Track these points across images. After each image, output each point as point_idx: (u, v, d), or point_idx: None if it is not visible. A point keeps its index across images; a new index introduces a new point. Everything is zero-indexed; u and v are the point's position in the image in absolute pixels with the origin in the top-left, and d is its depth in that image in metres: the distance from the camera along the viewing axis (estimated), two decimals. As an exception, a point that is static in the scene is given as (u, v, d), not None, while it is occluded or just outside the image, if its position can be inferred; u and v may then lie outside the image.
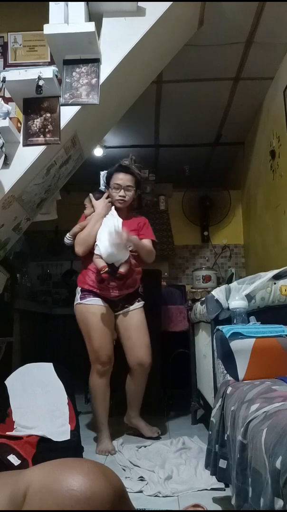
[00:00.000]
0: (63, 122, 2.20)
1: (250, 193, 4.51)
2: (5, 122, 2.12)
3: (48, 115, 2.14)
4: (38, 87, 2.05)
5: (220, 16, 2.79)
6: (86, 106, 2.17)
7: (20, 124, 2.27)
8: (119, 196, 2.49)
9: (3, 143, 2.14)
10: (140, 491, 1.75)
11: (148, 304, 2.62)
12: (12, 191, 2.27)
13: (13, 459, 1.73)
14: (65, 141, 2.41)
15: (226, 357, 1.62)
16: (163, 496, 1.70)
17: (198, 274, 4.48)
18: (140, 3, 2.29)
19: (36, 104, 2.15)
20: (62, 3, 2.08)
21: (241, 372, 1.59)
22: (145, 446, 2.33)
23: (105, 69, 2.22)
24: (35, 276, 5.39)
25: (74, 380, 2.38)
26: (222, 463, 1.43)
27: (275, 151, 3.54)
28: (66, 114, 2.21)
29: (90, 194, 2.59)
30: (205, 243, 5.06)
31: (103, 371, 2.40)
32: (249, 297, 2.00)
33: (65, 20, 2.05)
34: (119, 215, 2.48)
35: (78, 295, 2.48)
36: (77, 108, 2.23)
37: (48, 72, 2.06)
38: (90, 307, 2.42)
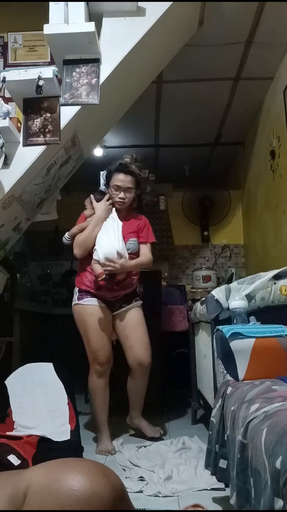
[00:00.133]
0: (63, 122, 2.20)
1: (250, 193, 4.51)
2: (5, 122, 2.12)
3: (48, 115, 2.14)
4: (38, 87, 2.05)
5: (220, 16, 2.79)
6: (86, 106, 2.17)
7: (20, 124, 2.27)
8: (119, 198, 2.47)
9: (3, 143, 2.14)
10: (141, 491, 1.75)
11: (148, 304, 2.62)
12: (12, 191, 2.27)
13: (13, 459, 1.73)
14: (65, 141, 2.41)
15: (226, 357, 1.62)
16: (163, 496, 1.70)
17: (198, 274, 4.48)
18: (140, 3, 2.29)
19: (36, 104, 2.15)
20: (62, 3, 2.08)
21: (241, 372, 1.59)
22: (145, 446, 2.33)
23: (105, 69, 2.22)
24: (35, 276, 5.39)
25: (74, 380, 2.38)
26: (222, 463, 1.43)
27: (275, 151, 3.54)
28: (66, 114, 2.21)
29: (91, 196, 2.56)
30: (205, 243, 5.06)
31: (102, 371, 2.40)
32: (249, 297, 2.00)
33: (65, 20, 2.05)
34: (119, 215, 2.48)
35: (76, 296, 2.48)
36: (77, 108, 2.23)
37: (48, 72, 2.06)
38: (87, 308, 2.42)
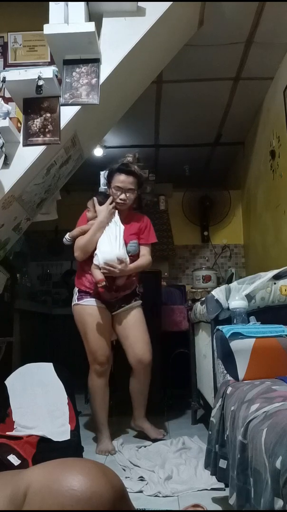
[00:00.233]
0: (63, 122, 2.20)
1: (250, 193, 4.51)
2: (5, 122, 2.12)
3: (48, 115, 2.14)
4: (38, 87, 2.05)
5: (220, 16, 2.79)
6: (86, 106, 2.17)
7: (20, 124, 2.27)
8: (120, 199, 2.45)
9: (3, 143, 2.14)
10: (141, 491, 1.75)
11: (148, 304, 2.62)
12: (12, 191, 2.27)
13: (13, 459, 1.73)
14: (65, 141, 2.41)
15: (226, 357, 1.62)
16: (163, 496, 1.70)
17: (198, 274, 4.48)
18: (140, 3, 2.29)
19: (36, 104, 2.15)
20: (62, 3, 2.08)
21: (241, 372, 1.59)
22: (145, 446, 2.33)
23: (105, 69, 2.22)
24: (35, 276, 5.39)
25: (74, 380, 2.38)
26: (222, 463, 1.43)
27: (275, 151, 3.54)
28: (66, 114, 2.21)
29: (94, 198, 2.51)
30: (205, 243, 5.06)
31: (101, 371, 2.40)
32: (249, 297, 2.00)
33: (65, 20, 2.05)
34: (120, 215, 2.48)
35: (75, 296, 2.49)
36: (77, 108, 2.23)
37: (48, 72, 2.06)
38: (87, 308, 2.42)
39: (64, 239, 2.54)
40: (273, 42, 3.09)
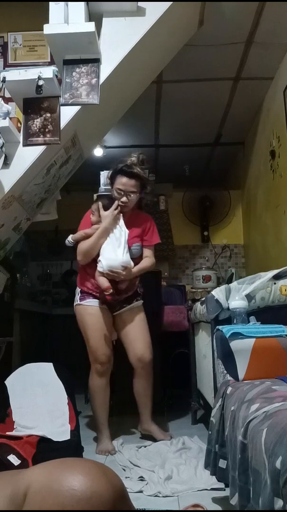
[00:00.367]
0: (63, 122, 2.20)
1: (250, 193, 4.51)
2: (5, 122, 2.12)
3: (48, 115, 2.14)
4: (38, 87, 2.05)
5: (220, 16, 2.79)
6: (86, 106, 2.17)
7: (20, 124, 2.27)
8: (121, 201, 2.42)
9: (3, 143, 2.14)
10: (141, 491, 1.75)
11: (148, 304, 2.62)
12: (12, 191, 2.27)
13: (13, 459, 1.73)
14: (65, 141, 2.41)
15: (226, 357, 1.62)
16: (163, 496, 1.70)
17: (198, 274, 4.48)
18: (140, 3, 2.29)
19: (36, 104, 2.15)
20: (62, 3, 2.08)
21: (241, 372, 1.59)
22: (145, 446, 2.33)
23: (105, 69, 2.22)
24: (35, 276, 5.39)
25: (74, 380, 2.38)
26: (222, 463, 1.43)
27: (275, 151, 3.54)
28: (66, 114, 2.21)
29: (99, 203, 2.46)
30: (205, 243, 5.06)
31: (102, 371, 2.40)
32: (249, 297, 2.00)
33: (65, 20, 2.05)
34: (123, 216, 2.45)
35: (77, 296, 2.49)
36: (77, 108, 2.23)
37: (48, 72, 2.06)
38: (88, 308, 2.43)
39: (66, 241, 2.49)
40: (273, 42, 3.09)
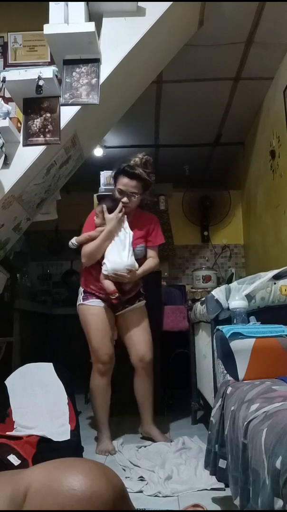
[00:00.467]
0: (63, 122, 2.20)
1: (250, 193, 4.51)
2: (5, 122, 2.12)
3: (48, 115, 2.14)
4: (38, 87, 2.05)
5: (220, 16, 2.79)
6: (86, 106, 2.17)
7: (20, 124, 2.27)
8: (123, 202, 2.42)
9: (3, 143, 2.14)
10: (140, 491, 1.75)
11: (148, 304, 2.62)
12: (12, 191, 2.27)
13: (13, 459, 1.73)
14: (65, 141, 2.41)
15: (226, 357, 1.62)
16: (163, 496, 1.70)
17: (198, 274, 4.48)
18: (140, 3, 2.29)
19: (36, 104, 2.15)
20: (62, 3, 2.08)
21: (241, 372, 1.59)
22: (145, 446, 2.33)
23: (105, 69, 2.22)
24: (35, 276, 5.39)
25: (74, 380, 2.38)
26: (222, 463, 1.43)
27: (275, 151, 3.54)
28: (66, 114, 2.21)
29: (104, 206, 2.42)
30: (205, 243, 5.06)
31: (104, 370, 2.41)
32: (249, 297, 2.00)
33: (65, 20, 2.05)
34: (127, 217, 2.45)
35: (80, 296, 2.50)
36: (77, 108, 2.23)
37: (48, 72, 2.06)
38: (91, 308, 2.44)
39: (70, 243, 2.48)
40: (273, 42, 3.09)
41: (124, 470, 2.02)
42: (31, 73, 2.06)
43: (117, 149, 4.53)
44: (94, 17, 2.23)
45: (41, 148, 2.23)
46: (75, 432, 2.04)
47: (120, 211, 2.39)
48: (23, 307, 3.68)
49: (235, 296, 1.97)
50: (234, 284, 2.06)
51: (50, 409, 2.14)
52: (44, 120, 2.14)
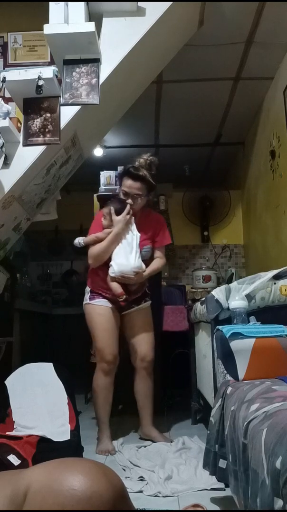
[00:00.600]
0: (63, 122, 2.20)
1: (250, 193, 4.51)
2: (5, 122, 2.12)
3: (48, 115, 2.14)
4: (38, 87, 2.05)
5: (220, 16, 2.79)
6: (86, 106, 2.17)
7: (20, 124, 2.27)
8: (127, 203, 2.42)
9: (3, 143, 2.14)
10: (141, 491, 1.75)
11: (149, 304, 2.63)
12: (12, 191, 2.27)
13: (13, 459, 1.73)
14: (65, 141, 2.41)
15: (226, 357, 1.62)
16: (163, 496, 1.70)
17: (198, 274, 4.48)
18: (140, 3, 2.29)
19: (36, 104, 2.15)
20: (62, 3, 2.08)
21: (241, 372, 1.59)
22: (145, 446, 2.33)
23: (105, 69, 2.22)
24: (35, 276, 5.39)
25: (74, 380, 2.38)
26: (222, 463, 1.43)
27: (275, 151, 3.54)
28: (66, 114, 2.21)
29: (111, 207, 2.42)
30: (205, 243, 5.06)
31: (108, 370, 2.42)
32: (249, 297, 2.00)
33: (65, 20, 2.05)
34: (134, 217, 2.45)
35: (87, 295, 2.51)
36: (77, 108, 2.23)
37: (48, 72, 2.06)
38: (96, 308, 2.45)
39: (77, 242, 2.48)
40: (273, 42, 3.09)
41: (124, 470, 2.02)
42: (31, 73, 2.06)
43: (117, 149, 4.53)
44: (94, 17, 2.23)
45: (41, 148, 2.23)
46: (75, 432, 2.04)
47: (127, 213, 2.39)
48: (23, 307, 3.68)
49: (235, 296, 1.97)
50: (234, 284, 2.06)
51: (50, 409, 2.14)
52: (44, 120, 2.14)
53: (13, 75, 2.07)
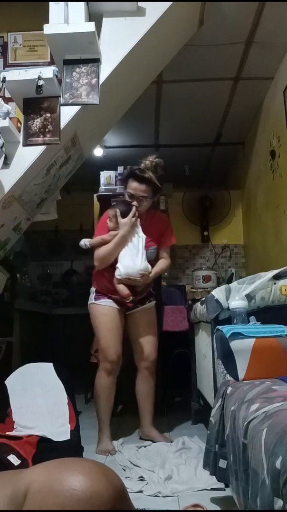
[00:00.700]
0: (63, 122, 2.20)
1: (250, 193, 4.51)
2: (5, 122, 2.12)
3: (48, 115, 2.14)
4: (38, 87, 2.05)
5: (220, 16, 2.79)
6: (86, 106, 2.17)
7: (20, 124, 2.27)
8: (132, 205, 2.42)
9: (3, 143, 2.14)
10: (141, 491, 1.75)
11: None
12: (12, 191, 2.27)
13: (13, 459, 1.73)
14: (65, 141, 2.41)
15: (226, 357, 1.62)
16: (163, 496, 1.70)
17: (198, 274, 4.48)
18: (140, 3, 2.29)
19: (36, 104, 2.14)
20: (62, 3, 2.07)
21: (241, 372, 1.59)
22: (145, 446, 2.33)
23: (105, 69, 2.22)
24: (35, 276, 5.39)
25: (74, 380, 2.39)
26: (222, 463, 1.43)
27: (275, 151, 3.53)
28: (66, 114, 2.21)
29: (117, 210, 2.41)
30: (205, 243, 5.06)
31: (111, 369, 2.43)
32: (249, 297, 2.00)
33: (65, 20, 2.05)
34: (140, 219, 2.45)
35: (92, 295, 2.52)
36: (77, 108, 2.23)
37: (48, 72, 2.06)
38: (101, 308, 2.46)
39: (83, 244, 2.47)
40: (273, 42, 3.09)
41: (124, 470, 2.02)
42: (31, 73, 2.06)
43: (117, 149, 4.53)
44: (94, 17, 2.23)
45: (41, 148, 2.23)
46: (75, 432, 2.04)
47: (133, 216, 2.39)
48: (23, 307, 3.68)
49: (235, 296, 1.97)
50: (234, 284, 2.06)
51: (50, 409, 2.14)
52: (44, 120, 2.14)
53: (13, 75, 2.07)
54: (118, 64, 2.26)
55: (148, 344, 2.50)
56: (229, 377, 1.62)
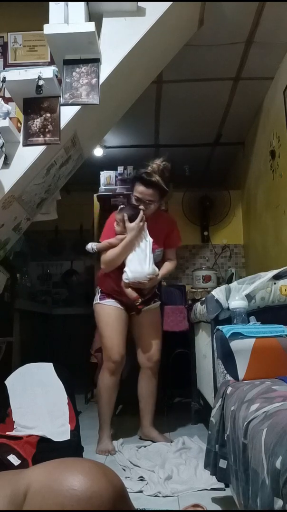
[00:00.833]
0: (63, 122, 2.20)
1: (250, 193, 4.51)
2: (5, 122, 2.12)
3: (48, 115, 2.14)
4: (38, 87, 2.05)
5: (220, 16, 2.79)
6: (86, 106, 2.17)
7: (20, 124, 2.27)
8: (140, 209, 2.42)
9: (3, 143, 2.14)
10: (141, 491, 1.75)
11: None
12: (12, 191, 2.27)
13: (13, 459, 1.73)
14: (65, 141, 2.41)
15: (226, 357, 1.62)
16: (163, 496, 1.70)
17: (198, 274, 4.48)
18: (140, 3, 2.29)
19: (36, 104, 2.14)
20: (62, 3, 2.07)
21: (241, 372, 1.59)
22: (145, 446, 2.33)
23: (105, 69, 2.22)
24: (35, 276, 5.39)
25: (74, 380, 2.39)
26: (222, 463, 1.43)
27: (275, 151, 3.53)
28: (66, 114, 2.21)
29: (125, 214, 2.39)
30: (205, 243, 5.06)
31: (114, 369, 2.43)
32: (249, 297, 2.00)
33: (65, 20, 2.05)
34: (147, 221, 2.44)
35: (98, 295, 2.53)
36: (77, 108, 2.23)
37: (48, 72, 2.06)
38: (106, 308, 2.47)
39: (90, 248, 2.46)
40: (273, 42, 3.09)
41: (124, 470, 2.02)
42: (31, 73, 2.06)
43: (117, 149, 4.53)
44: (94, 17, 2.23)
45: (41, 148, 2.23)
46: (75, 432, 2.04)
47: (141, 220, 2.39)
48: (23, 307, 3.68)
49: (235, 296, 1.97)
50: (234, 284, 2.06)
51: (50, 409, 2.14)
52: (44, 120, 2.14)
53: (13, 75, 2.07)
54: (118, 64, 2.26)
55: (151, 344, 2.51)
56: (229, 377, 1.62)
